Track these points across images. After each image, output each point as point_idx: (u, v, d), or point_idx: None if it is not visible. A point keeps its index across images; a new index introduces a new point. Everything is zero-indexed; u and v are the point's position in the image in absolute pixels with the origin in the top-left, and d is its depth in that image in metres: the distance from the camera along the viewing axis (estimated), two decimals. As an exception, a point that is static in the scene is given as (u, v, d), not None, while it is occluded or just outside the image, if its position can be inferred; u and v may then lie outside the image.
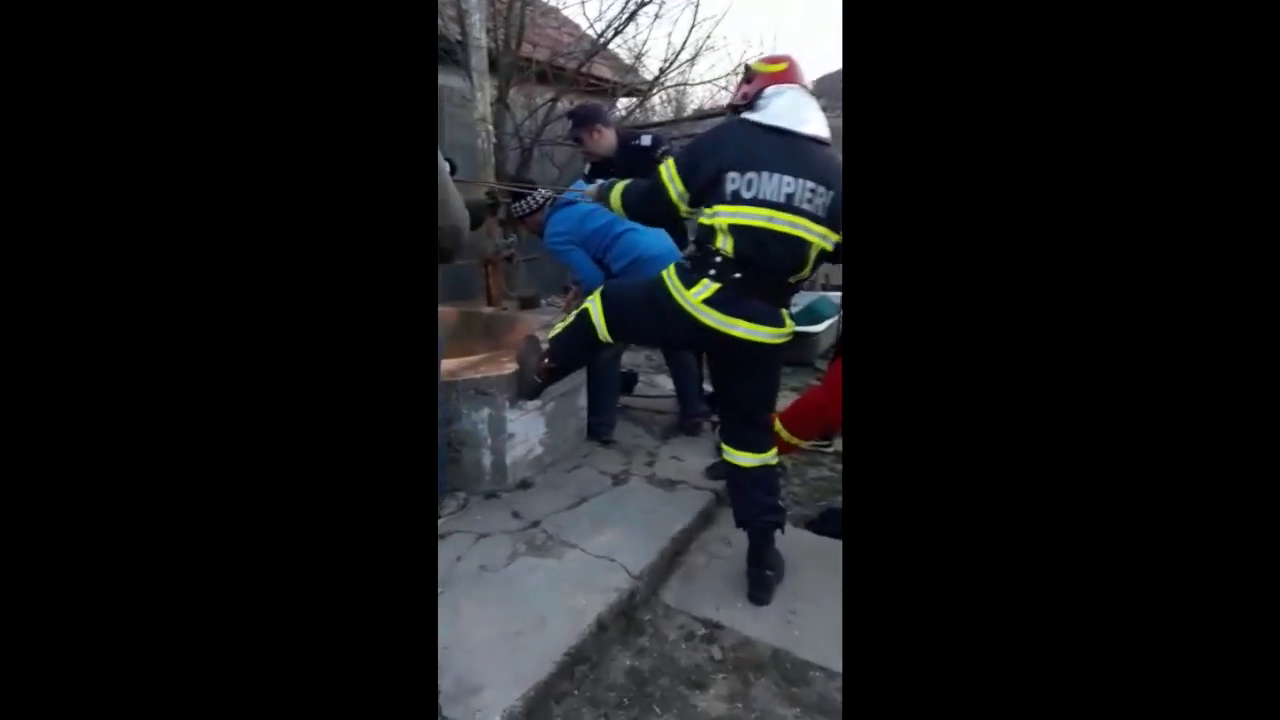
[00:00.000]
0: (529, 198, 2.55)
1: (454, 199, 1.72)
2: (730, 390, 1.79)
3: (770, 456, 1.77)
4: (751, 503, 1.74)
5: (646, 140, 2.69)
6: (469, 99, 2.79)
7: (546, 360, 1.92)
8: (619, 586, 1.67)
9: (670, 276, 1.67)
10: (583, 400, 2.48)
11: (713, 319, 1.59)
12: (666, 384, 3.09)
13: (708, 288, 1.59)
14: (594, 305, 1.82)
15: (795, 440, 2.09)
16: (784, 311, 1.66)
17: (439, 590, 1.62)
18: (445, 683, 1.32)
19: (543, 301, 3.12)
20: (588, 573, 1.71)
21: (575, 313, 1.88)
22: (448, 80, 3.32)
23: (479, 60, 2.67)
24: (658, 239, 2.44)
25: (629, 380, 3.17)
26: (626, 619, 1.67)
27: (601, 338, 1.81)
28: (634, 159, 2.55)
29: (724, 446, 1.80)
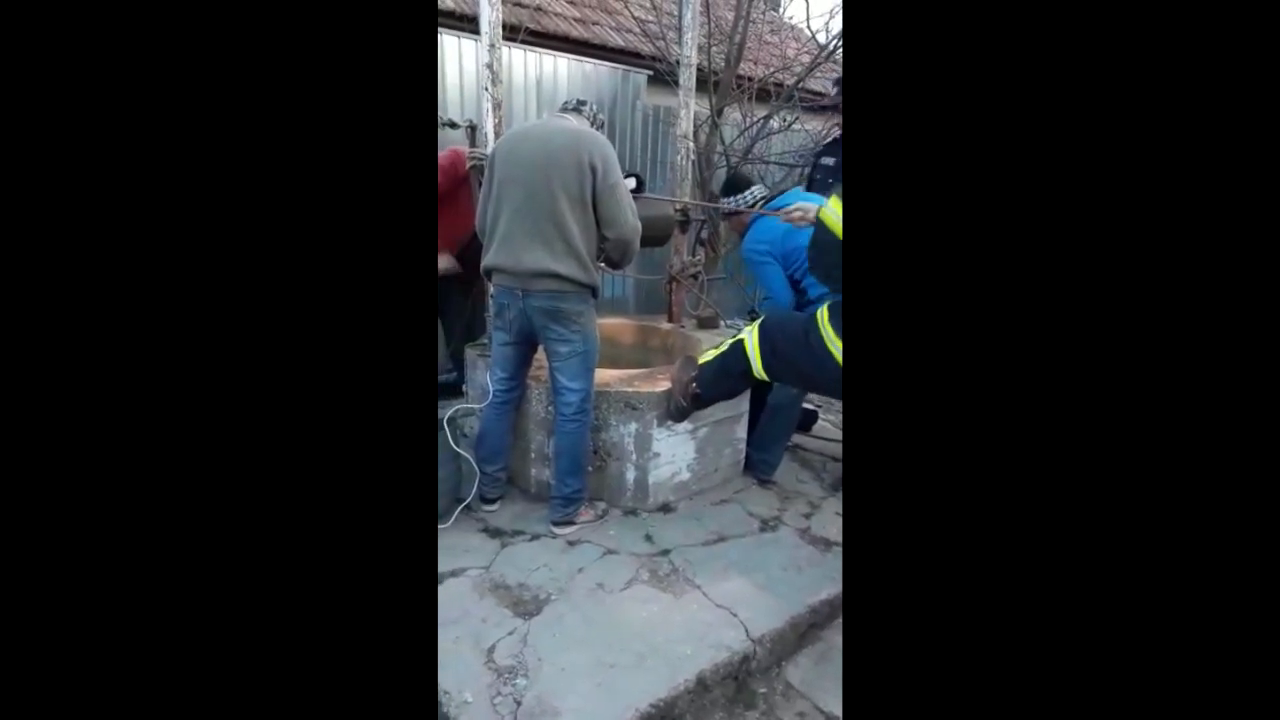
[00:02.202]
0: (743, 195, 2.42)
1: (625, 213, 1.73)
2: None
3: None
4: None
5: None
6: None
7: (694, 385, 1.81)
8: (731, 646, 1.48)
9: (823, 318, 1.43)
10: (742, 431, 2.31)
11: None
12: (849, 427, 2.74)
13: None
14: (750, 337, 1.66)
15: None
16: None
17: (551, 597, 1.62)
18: (528, 697, 1.30)
19: (723, 323, 3.01)
20: (703, 621, 1.56)
21: (731, 341, 1.74)
22: (667, 100, 3.43)
23: (687, 78, 2.69)
24: None
25: (809, 418, 2.88)
26: (737, 685, 1.47)
27: (755, 374, 1.64)
28: None
29: None
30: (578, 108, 1.88)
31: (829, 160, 2.39)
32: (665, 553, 1.85)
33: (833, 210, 1.36)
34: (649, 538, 1.93)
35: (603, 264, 1.85)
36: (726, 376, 1.72)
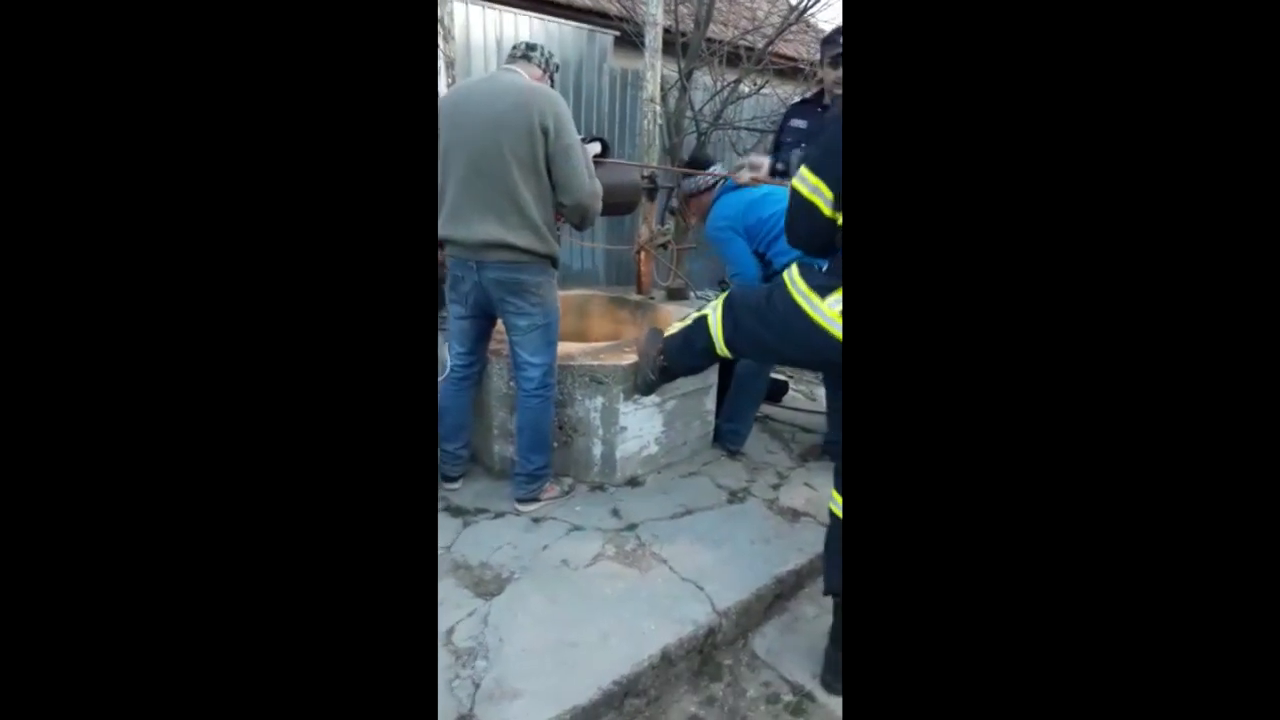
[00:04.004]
0: (701, 176, 2.36)
1: (580, 177, 1.64)
2: None
3: None
4: None
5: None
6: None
7: (661, 358, 1.77)
8: (696, 620, 1.47)
9: (794, 280, 1.37)
10: (711, 403, 2.29)
11: None
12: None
13: None
14: (714, 313, 1.60)
15: None
16: None
17: (514, 575, 1.59)
18: (487, 679, 1.27)
19: (693, 294, 2.96)
20: (668, 595, 1.54)
21: (696, 315, 1.69)
22: (635, 63, 3.31)
23: (653, 38, 2.58)
24: None
25: (778, 388, 2.88)
26: (702, 657, 1.47)
27: (718, 350, 1.59)
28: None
29: (835, 494, 1.41)
30: (526, 54, 1.73)
31: (799, 123, 2.32)
32: (632, 527, 1.83)
33: (805, 180, 1.30)
34: (616, 513, 1.90)
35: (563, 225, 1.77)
36: (690, 352, 1.68)
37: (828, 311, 1.30)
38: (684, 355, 1.70)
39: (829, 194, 1.26)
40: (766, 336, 1.46)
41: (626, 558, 1.69)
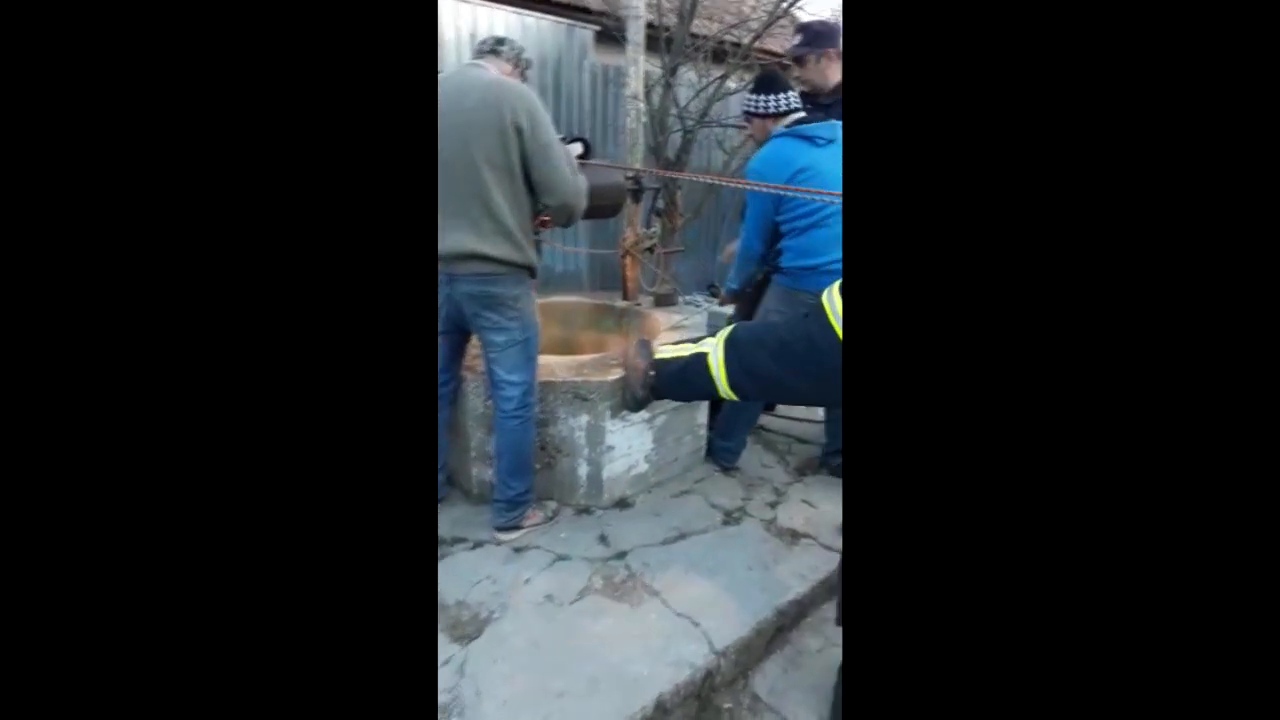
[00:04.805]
0: (775, 98, 1.92)
1: (562, 174, 1.52)
2: None
3: None
4: None
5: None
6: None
7: (651, 374, 1.64)
8: (694, 662, 1.35)
9: (833, 300, 1.21)
10: (703, 417, 2.17)
11: None
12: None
13: None
14: (715, 354, 1.45)
15: None
16: None
17: (493, 615, 1.46)
18: (462, 739, 1.14)
19: (681, 299, 2.84)
20: (662, 634, 1.42)
21: (691, 352, 1.54)
22: (618, 60, 3.18)
23: (635, 32, 2.45)
24: None
25: (771, 396, 2.77)
26: (699, 703, 1.35)
27: (721, 394, 1.45)
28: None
29: None
30: (495, 49, 1.59)
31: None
32: (621, 555, 1.71)
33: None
34: (604, 539, 1.78)
35: (542, 228, 1.64)
36: (686, 388, 1.54)
37: None
38: (679, 386, 1.57)
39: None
40: (794, 383, 1.28)
41: (616, 590, 1.57)
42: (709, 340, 1.50)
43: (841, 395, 1.35)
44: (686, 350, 1.56)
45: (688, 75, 3.45)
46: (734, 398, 1.46)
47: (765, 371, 1.36)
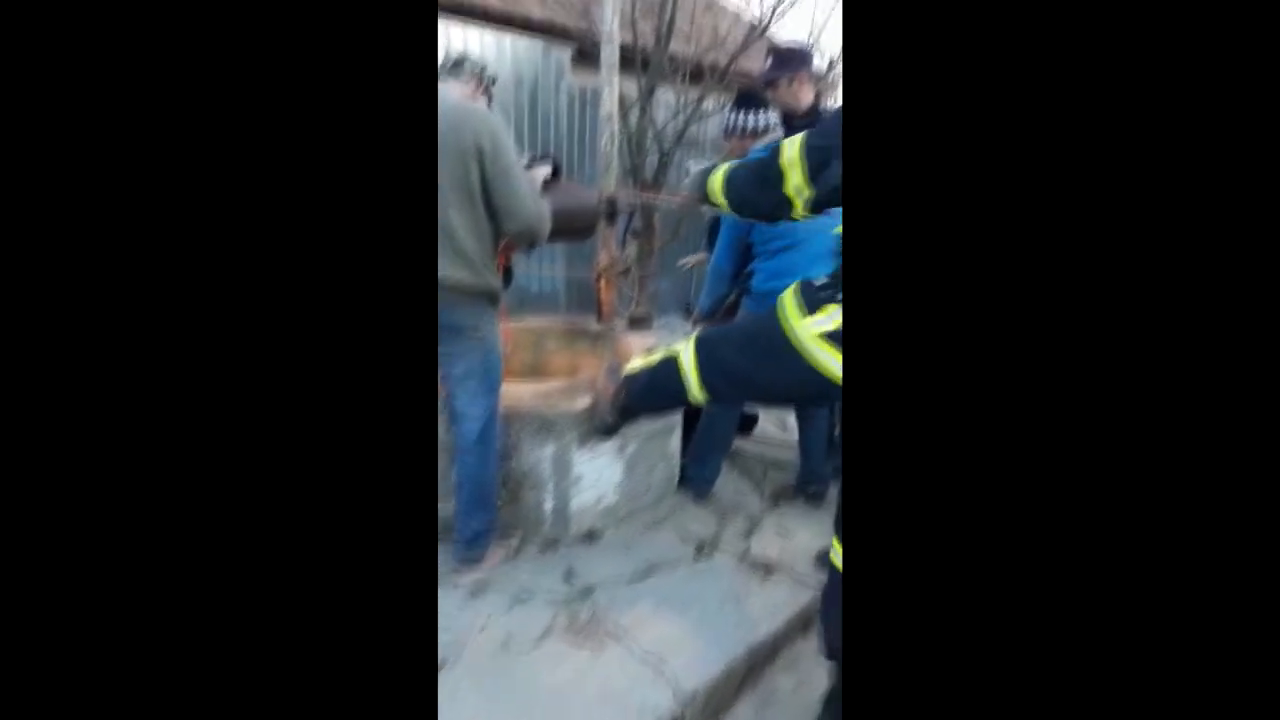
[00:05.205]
0: (757, 116, 2.01)
1: (523, 200, 1.47)
2: None
3: None
4: None
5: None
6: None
7: (622, 394, 1.58)
8: (658, 711, 1.27)
9: (784, 301, 1.22)
10: (676, 443, 2.11)
11: (830, 360, 1.12)
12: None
13: (834, 318, 1.12)
14: (685, 353, 1.41)
15: None
16: None
17: (445, 662, 1.37)
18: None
19: (655, 323, 2.80)
20: (626, 679, 1.35)
21: (662, 355, 1.50)
22: (596, 80, 3.16)
23: (609, 53, 2.43)
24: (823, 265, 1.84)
25: (748, 421, 2.72)
26: (664, 756, 1.27)
27: (692, 397, 1.41)
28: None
29: (835, 542, 1.24)
30: (454, 70, 1.54)
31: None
32: (587, 593, 1.63)
33: (792, 147, 1.18)
34: (569, 575, 1.70)
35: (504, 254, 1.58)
36: (657, 395, 1.50)
37: (808, 332, 1.15)
38: (648, 396, 1.52)
39: (802, 180, 1.16)
40: (761, 378, 1.29)
41: (578, 634, 1.49)
42: (679, 344, 1.46)
43: (810, 394, 1.35)
44: (657, 356, 1.52)
45: (665, 97, 3.44)
46: (703, 397, 1.41)
47: (734, 365, 1.34)
